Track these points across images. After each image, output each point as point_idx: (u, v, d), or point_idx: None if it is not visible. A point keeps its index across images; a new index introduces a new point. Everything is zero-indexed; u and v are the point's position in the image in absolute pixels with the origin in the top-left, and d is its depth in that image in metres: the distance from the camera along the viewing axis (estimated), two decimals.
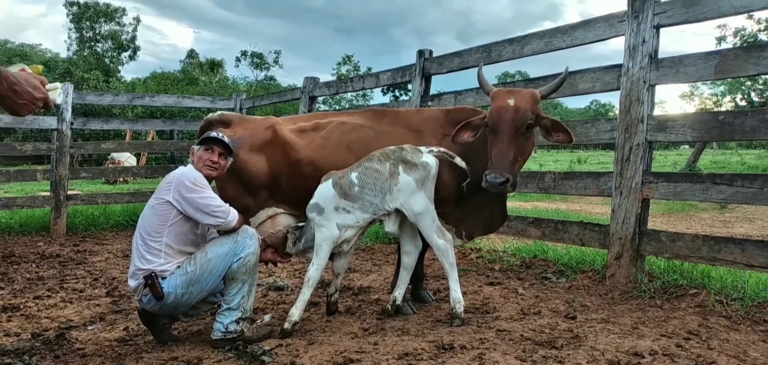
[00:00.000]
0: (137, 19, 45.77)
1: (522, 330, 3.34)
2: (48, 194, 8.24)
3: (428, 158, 3.47)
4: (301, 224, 3.67)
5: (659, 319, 3.55)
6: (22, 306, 4.12)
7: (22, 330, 3.60)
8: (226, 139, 3.40)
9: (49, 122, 8.11)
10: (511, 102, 3.36)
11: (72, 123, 8.03)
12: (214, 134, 3.42)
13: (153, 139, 19.78)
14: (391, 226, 3.56)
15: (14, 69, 1.96)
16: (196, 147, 3.36)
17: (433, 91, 6.56)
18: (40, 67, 2.17)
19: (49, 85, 2.06)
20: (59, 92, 2.13)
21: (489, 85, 3.68)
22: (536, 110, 3.41)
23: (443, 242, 3.47)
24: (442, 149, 3.57)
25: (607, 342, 3.07)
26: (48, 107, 2.09)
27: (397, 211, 3.49)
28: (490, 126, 3.41)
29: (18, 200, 8.01)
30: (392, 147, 3.54)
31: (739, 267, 3.78)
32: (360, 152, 3.67)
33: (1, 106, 1.91)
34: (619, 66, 4.41)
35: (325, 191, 3.51)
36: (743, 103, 23.23)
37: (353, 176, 3.47)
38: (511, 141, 3.33)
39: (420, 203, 3.41)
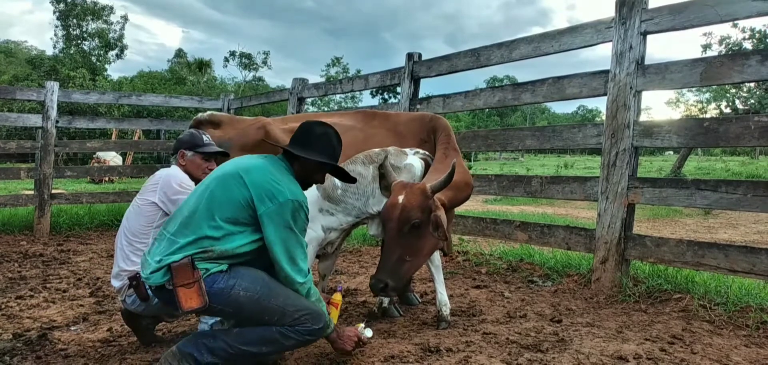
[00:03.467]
0: (125, 18, 45.58)
1: (508, 333, 3.35)
2: (32, 192, 8.10)
3: (413, 160, 3.46)
4: None
5: (644, 323, 3.58)
6: (3, 306, 4.05)
7: (4, 330, 3.55)
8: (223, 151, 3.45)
9: (34, 119, 7.98)
10: (400, 199, 3.07)
11: (57, 121, 7.90)
12: (214, 149, 3.39)
13: (139, 138, 19.59)
14: (374, 229, 3.54)
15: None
16: (189, 152, 3.31)
17: (421, 94, 6.57)
18: (339, 298, 3.14)
19: (360, 327, 2.95)
20: (368, 330, 2.96)
21: (391, 176, 3.26)
22: (426, 205, 3.07)
23: None
24: (426, 152, 3.57)
25: (592, 345, 3.09)
26: (361, 345, 2.90)
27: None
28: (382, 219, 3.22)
29: (0, 199, 7.87)
30: (377, 150, 3.52)
31: (723, 272, 3.82)
32: (350, 153, 3.66)
33: (329, 342, 2.81)
34: (607, 72, 4.45)
35: (309, 193, 3.48)
36: (728, 110, 23.51)
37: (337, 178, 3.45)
38: (395, 241, 3.07)
39: None
